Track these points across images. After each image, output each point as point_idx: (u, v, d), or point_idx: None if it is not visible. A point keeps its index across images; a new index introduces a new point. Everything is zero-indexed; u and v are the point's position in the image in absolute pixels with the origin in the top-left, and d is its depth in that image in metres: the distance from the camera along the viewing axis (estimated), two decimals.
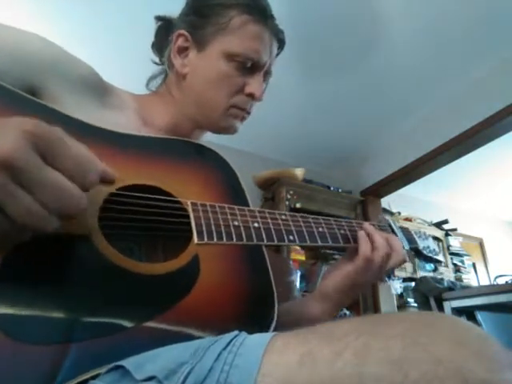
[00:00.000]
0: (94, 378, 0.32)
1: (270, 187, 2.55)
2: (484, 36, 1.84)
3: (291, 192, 2.46)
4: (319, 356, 0.26)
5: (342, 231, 0.57)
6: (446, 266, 3.24)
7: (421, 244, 0.74)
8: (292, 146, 2.80)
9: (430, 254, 0.75)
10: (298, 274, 2.34)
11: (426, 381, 0.22)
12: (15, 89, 0.41)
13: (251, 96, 0.62)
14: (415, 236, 0.74)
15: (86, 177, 0.31)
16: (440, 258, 0.78)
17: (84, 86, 0.53)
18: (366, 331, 0.27)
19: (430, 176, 2.57)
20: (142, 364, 0.31)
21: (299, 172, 2.53)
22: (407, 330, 0.26)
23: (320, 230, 0.55)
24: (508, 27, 1.78)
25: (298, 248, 2.37)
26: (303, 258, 2.40)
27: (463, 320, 0.27)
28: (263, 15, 0.61)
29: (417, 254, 0.75)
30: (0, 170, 0.26)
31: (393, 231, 0.68)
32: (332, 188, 2.72)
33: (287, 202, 2.40)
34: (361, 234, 0.57)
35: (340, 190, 2.74)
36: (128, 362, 0.31)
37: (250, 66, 0.60)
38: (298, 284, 2.21)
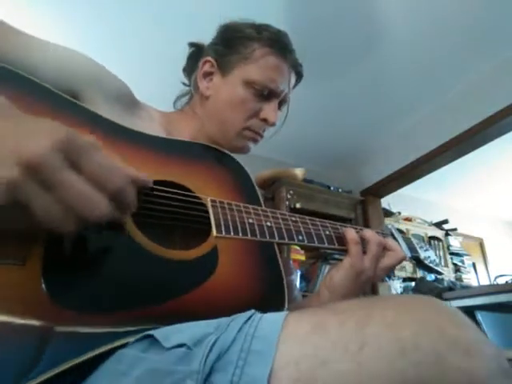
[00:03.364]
0: (121, 347, 0.35)
1: (270, 187, 2.55)
2: (484, 36, 1.84)
3: (291, 192, 2.45)
4: (328, 324, 0.32)
5: None
6: (446, 265, 3.24)
7: (422, 254, 0.76)
8: (292, 146, 2.80)
9: (430, 264, 0.77)
10: (298, 273, 2.34)
11: (414, 336, 0.28)
12: (60, 92, 0.48)
13: (265, 121, 0.67)
14: (417, 246, 0.76)
15: (109, 181, 0.32)
16: (439, 268, 0.80)
17: (118, 97, 0.59)
18: (365, 306, 0.33)
19: (429, 176, 2.57)
20: (169, 335, 0.34)
21: (299, 172, 2.53)
22: (398, 303, 0.33)
23: (327, 232, 0.59)
24: (508, 27, 1.78)
25: (297, 248, 2.37)
26: (303, 257, 2.40)
27: (438, 300, 0.34)
28: (284, 49, 0.67)
29: (418, 263, 0.77)
30: (25, 170, 0.28)
31: (395, 239, 0.70)
32: (332, 188, 2.71)
33: (287, 202, 2.40)
34: (345, 229, 0.61)
35: (340, 190, 2.74)
36: (157, 332, 0.35)
37: (267, 94, 0.66)
38: (297, 284, 2.21)
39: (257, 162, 2.71)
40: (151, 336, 0.35)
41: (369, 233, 0.60)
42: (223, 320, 0.35)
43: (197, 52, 0.74)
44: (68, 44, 0.56)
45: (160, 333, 0.35)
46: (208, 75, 0.69)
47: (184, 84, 0.77)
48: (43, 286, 0.34)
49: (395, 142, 2.66)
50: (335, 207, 2.63)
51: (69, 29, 1.79)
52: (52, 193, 0.29)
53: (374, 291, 2.58)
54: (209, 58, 0.69)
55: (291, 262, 2.01)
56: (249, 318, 0.35)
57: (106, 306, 0.37)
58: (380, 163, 2.77)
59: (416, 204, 3.49)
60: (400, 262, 0.60)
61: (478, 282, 3.56)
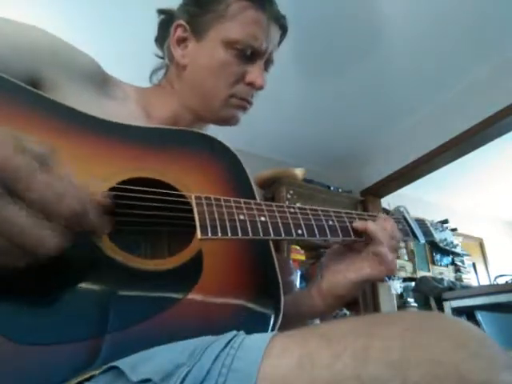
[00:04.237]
0: (87, 379, 0.31)
1: (270, 187, 2.55)
2: (484, 36, 1.84)
3: (291, 192, 2.45)
4: (318, 359, 0.26)
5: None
6: (446, 265, 3.24)
7: (437, 237, 0.71)
8: (292, 146, 2.80)
9: (447, 247, 0.72)
10: (298, 273, 2.34)
11: (425, 382, 0.22)
12: (16, 80, 0.41)
13: (252, 85, 0.60)
14: (431, 228, 0.71)
15: (59, 203, 0.28)
16: (458, 250, 0.74)
17: (84, 75, 0.52)
18: (365, 332, 0.27)
19: (429, 176, 2.57)
20: (137, 365, 0.30)
21: (299, 172, 2.53)
22: (406, 330, 0.26)
23: (330, 223, 0.53)
24: (508, 27, 1.78)
25: (298, 248, 2.37)
26: (303, 257, 2.40)
27: (462, 320, 0.27)
28: (262, 0, 0.59)
29: (434, 247, 0.72)
30: None
31: (408, 224, 0.65)
32: (332, 188, 2.71)
33: (287, 202, 2.40)
34: (372, 227, 0.52)
35: (340, 190, 2.74)
36: (123, 363, 0.31)
37: (250, 54, 0.59)
38: (298, 284, 2.21)
39: (257, 162, 2.72)
40: (117, 367, 0.30)
41: (372, 227, 0.52)
42: (201, 343, 0.31)
43: (168, 19, 0.64)
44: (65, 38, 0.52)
45: (127, 363, 0.30)
46: (182, 41, 0.61)
47: (158, 56, 0.68)
48: None
49: (395, 142, 2.66)
50: (335, 207, 2.60)
51: (69, 26, 1.79)
52: None
53: (374, 291, 2.58)
54: (180, 22, 0.60)
55: (291, 261, 2.01)
56: (228, 343, 0.30)
57: (71, 334, 0.32)
58: (380, 163, 2.77)
59: (416, 204, 3.48)
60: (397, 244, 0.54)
61: (478, 282, 3.55)
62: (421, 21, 1.75)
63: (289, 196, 2.43)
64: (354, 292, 0.53)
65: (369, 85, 2.18)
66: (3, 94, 0.39)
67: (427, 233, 0.69)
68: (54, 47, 0.51)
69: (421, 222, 0.70)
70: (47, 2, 1.66)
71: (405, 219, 0.65)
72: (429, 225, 0.72)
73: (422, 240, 0.66)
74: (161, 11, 0.66)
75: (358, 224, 0.54)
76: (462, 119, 2.14)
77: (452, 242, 0.74)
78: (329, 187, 2.71)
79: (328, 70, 2.09)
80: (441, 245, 0.71)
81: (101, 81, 0.55)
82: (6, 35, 0.47)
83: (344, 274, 0.53)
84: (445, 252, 0.74)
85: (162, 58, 0.68)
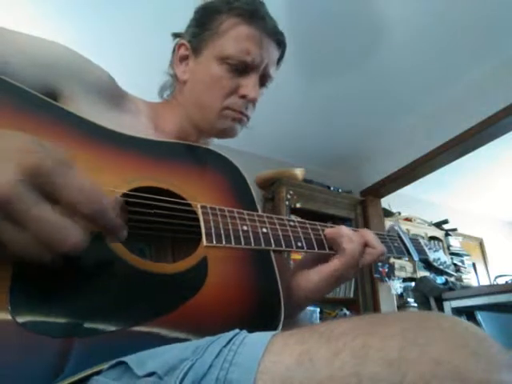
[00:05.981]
0: (97, 373, 0.32)
1: (270, 187, 2.55)
2: (484, 36, 1.84)
3: (291, 192, 2.45)
4: (317, 356, 0.26)
5: None
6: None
7: (431, 256, 0.73)
8: (292, 146, 2.80)
9: (440, 267, 0.74)
10: None
11: (424, 381, 0.22)
12: (33, 91, 0.43)
13: (244, 97, 0.62)
14: (425, 247, 0.73)
15: (92, 202, 0.30)
16: (450, 270, 0.76)
17: (99, 89, 0.55)
18: (365, 331, 0.27)
19: (429, 176, 2.57)
20: (143, 361, 0.31)
21: (299, 172, 2.53)
22: (405, 329, 0.26)
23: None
24: (508, 27, 1.79)
25: None
26: None
27: (462, 320, 0.27)
28: (254, 16, 0.61)
29: (427, 265, 0.74)
30: None
31: (402, 242, 0.68)
32: (332, 188, 2.72)
33: (287, 202, 2.40)
34: (339, 228, 0.56)
35: (340, 190, 2.74)
36: (130, 359, 0.32)
37: (244, 68, 0.61)
38: None
39: (257, 162, 2.72)
40: (125, 362, 0.32)
41: (346, 231, 0.55)
42: (203, 341, 0.32)
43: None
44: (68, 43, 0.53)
45: (134, 359, 0.32)
46: (184, 59, 0.66)
47: (170, 75, 0.73)
48: (9, 307, 0.31)
49: (396, 141, 2.66)
50: (335, 207, 2.63)
51: (67, 26, 1.79)
52: (25, 229, 0.28)
53: (374, 291, 2.58)
54: (183, 41, 0.66)
55: (291, 262, 2.01)
56: (230, 341, 0.31)
57: (80, 329, 0.33)
58: (380, 163, 2.77)
59: (416, 204, 3.50)
60: (380, 257, 0.56)
61: (478, 282, 3.56)
62: (421, 21, 1.75)
63: (289, 196, 2.43)
64: (325, 289, 0.54)
65: (369, 85, 2.18)
66: (20, 102, 0.41)
67: (421, 251, 0.71)
68: (70, 60, 0.54)
69: (415, 241, 0.72)
70: (48, 2, 1.66)
71: (399, 237, 0.68)
72: (423, 244, 0.74)
73: (416, 258, 0.68)
74: (175, 35, 0.71)
75: (329, 230, 0.56)
76: (462, 119, 2.14)
77: (445, 262, 0.76)
78: (329, 187, 2.71)
79: (328, 71, 2.09)
80: (434, 264, 0.73)
81: (115, 95, 0.58)
82: (23, 49, 0.50)
83: (314, 269, 0.55)
84: (438, 271, 0.76)
85: (171, 76, 0.73)
